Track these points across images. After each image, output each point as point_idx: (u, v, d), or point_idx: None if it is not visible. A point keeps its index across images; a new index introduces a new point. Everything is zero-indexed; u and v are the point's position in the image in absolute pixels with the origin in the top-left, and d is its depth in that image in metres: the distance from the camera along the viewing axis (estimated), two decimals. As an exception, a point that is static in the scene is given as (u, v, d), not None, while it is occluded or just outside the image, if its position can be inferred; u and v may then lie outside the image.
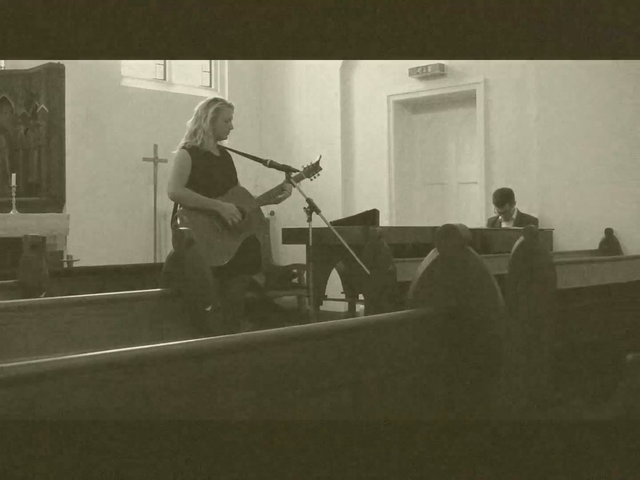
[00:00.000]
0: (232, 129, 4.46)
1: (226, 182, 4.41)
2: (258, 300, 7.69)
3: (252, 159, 4.53)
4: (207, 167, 4.36)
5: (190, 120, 4.43)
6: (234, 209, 4.30)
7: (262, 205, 4.52)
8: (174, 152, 4.46)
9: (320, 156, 4.52)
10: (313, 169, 4.47)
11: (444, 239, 2.27)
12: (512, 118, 7.20)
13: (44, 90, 6.89)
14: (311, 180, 4.49)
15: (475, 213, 7.49)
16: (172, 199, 4.38)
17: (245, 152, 4.60)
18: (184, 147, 4.39)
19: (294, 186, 4.33)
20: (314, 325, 2.05)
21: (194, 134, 4.37)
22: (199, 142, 4.34)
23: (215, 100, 4.45)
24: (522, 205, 6.80)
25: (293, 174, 4.36)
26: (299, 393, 1.84)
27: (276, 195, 4.42)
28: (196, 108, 4.41)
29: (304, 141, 8.60)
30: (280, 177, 4.46)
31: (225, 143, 4.53)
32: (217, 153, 4.45)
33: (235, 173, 4.53)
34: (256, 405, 1.75)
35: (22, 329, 2.54)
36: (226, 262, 4.22)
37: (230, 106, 4.44)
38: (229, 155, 4.54)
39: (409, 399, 2.11)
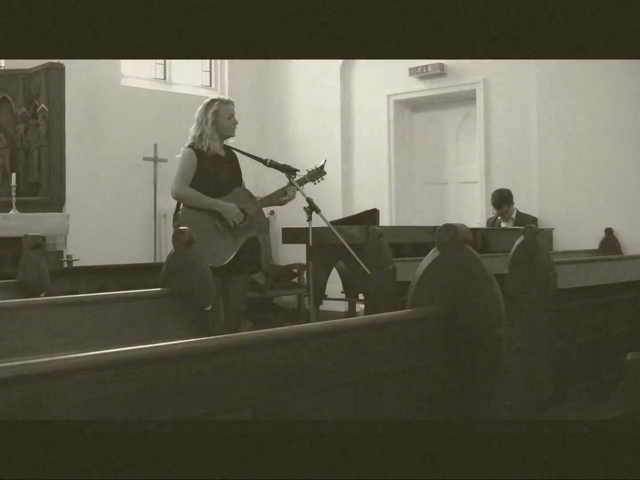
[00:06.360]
0: (236, 123, 4.45)
1: (230, 183, 4.41)
2: (258, 300, 7.69)
3: (252, 158, 4.52)
4: (213, 167, 4.36)
5: (192, 127, 4.42)
6: (236, 210, 4.30)
7: (264, 207, 4.51)
8: (177, 156, 4.44)
9: (325, 160, 4.50)
10: (317, 173, 4.46)
11: (444, 239, 2.27)
12: (512, 118, 7.20)
13: (44, 90, 6.89)
14: (315, 184, 4.48)
15: (475, 213, 7.49)
16: (175, 198, 4.38)
17: (245, 151, 4.60)
18: (190, 147, 4.38)
19: (297, 189, 4.32)
20: (314, 325, 2.05)
21: (199, 138, 4.36)
22: (205, 148, 4.34)
23: (212, 101, 4.42)
24: (522, 205, 6.80)
25: (296, 177, 4.35)
26: (299, 393, 1.84)
27: (279, 197, 4.42)
28: (196, 114, 4.40)
29: (304, 141, 8.60)
30: (281, 177, 4.45)
31: (230, 141, 4.52)
32: (222, 153, 4.45)
33: (240, 173, 4.53)
34: (256, 405, 1.75)
35: (22, 329, 2.54)
36: (226, 263, 4.23)
37: (228, 102, 4.43)
38: (235, 155, 4.53)
39: (409, 399, 2.11)
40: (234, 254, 4.27)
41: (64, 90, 6.98)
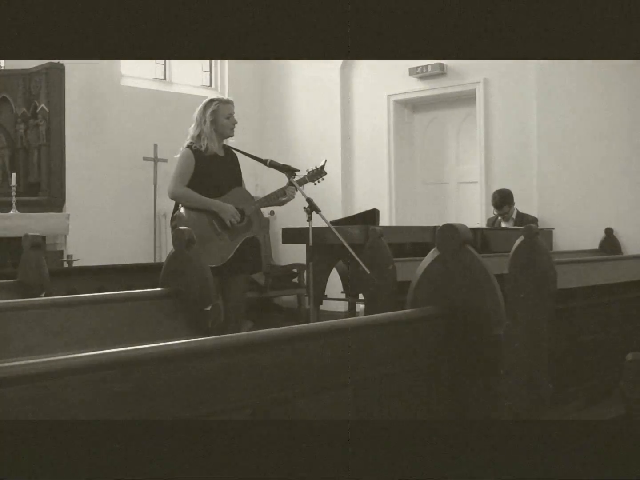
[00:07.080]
0: (235, 123, 4.44)
1: (229, 183, 4.40)
2: (258, 300, 7.69)
3: (252, 158, 4.52)
4: (211, 167, 4.35)
5: (192, 126, 4.41)
6: (233, 210, 4.29)
7: (263, 207, 4.51)
8: (176, 156, 4.44)
9: (326, 161, 4.49)
10: (317, 174, 4.45)
11: (444, 239, 2.27)
12: (512, 118, 7.20)
13: (44, 90, 6.89)
14: (315, 184, 4.47)
15: (475, 213, 7.49)
16: (172, 198, 4.38)
17: (245, 151, 4.59)
18: (188, 147, 4.37)
19: (297, 189, 4.31)
20: (314, 325, 2.05)
21: (198, 138, 4.36)
22: (203, 148, 4.33)
23: (210, 101, 4.41)
24: (522, 205, 6.80)
25: (296, 177, 4.34)
26: (299, 393, 1.84)
27: (278, 198, 4.42)
28: (195, 114, 4.39)
29: (304, 141, 8.60)
30: (281, 177, 4.45)
31: (230, 141, 4.51)
32: (222, 153, 4.44)
33: (239, 174, 4.52)
34: (256, 405, 1.75)
35: (22, 329, 2.54)
36: (223, 263, 4.22)
37: (227, 102, 4.42)
38: (234, 155, 4.52)
39: (409, 399, 2.11)
40: (232, 254, 4.27)
41: (64, 90, 6.98)
